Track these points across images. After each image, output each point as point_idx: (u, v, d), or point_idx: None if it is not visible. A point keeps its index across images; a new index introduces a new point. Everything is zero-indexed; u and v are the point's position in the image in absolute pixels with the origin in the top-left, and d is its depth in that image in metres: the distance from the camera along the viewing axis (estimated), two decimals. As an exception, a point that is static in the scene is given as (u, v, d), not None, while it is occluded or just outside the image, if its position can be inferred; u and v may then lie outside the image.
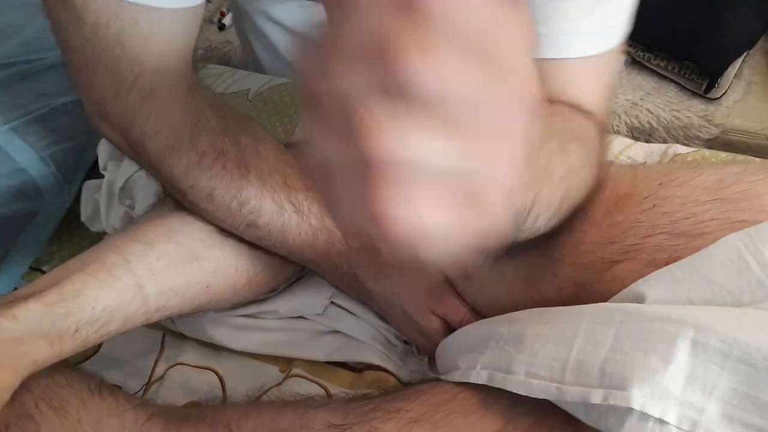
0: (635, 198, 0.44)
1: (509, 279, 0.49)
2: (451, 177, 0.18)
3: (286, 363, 0.57)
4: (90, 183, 0.67)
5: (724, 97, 0.94)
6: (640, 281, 0.38)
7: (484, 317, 0.52)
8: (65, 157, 0.70)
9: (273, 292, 0.58)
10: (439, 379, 0.44)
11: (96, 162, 0.67)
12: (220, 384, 0.56)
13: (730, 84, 0.94)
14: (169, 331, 0.60)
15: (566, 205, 0.37)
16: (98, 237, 0.66)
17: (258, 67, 0.92)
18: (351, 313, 0.58)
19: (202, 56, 1.26)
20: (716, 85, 0.93)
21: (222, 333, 0.57)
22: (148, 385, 0.57)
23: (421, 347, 0.55)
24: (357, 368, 0.56)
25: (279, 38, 0.86)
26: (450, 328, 0.53)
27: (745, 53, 0.96)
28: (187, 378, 0.57)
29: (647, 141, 0.88)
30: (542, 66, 0.40)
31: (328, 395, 0.53)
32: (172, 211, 0.51)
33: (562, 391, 0.35)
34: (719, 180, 0.42)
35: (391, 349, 0.56)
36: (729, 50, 0.94)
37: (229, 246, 0.51)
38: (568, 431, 0.37)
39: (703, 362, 0.31)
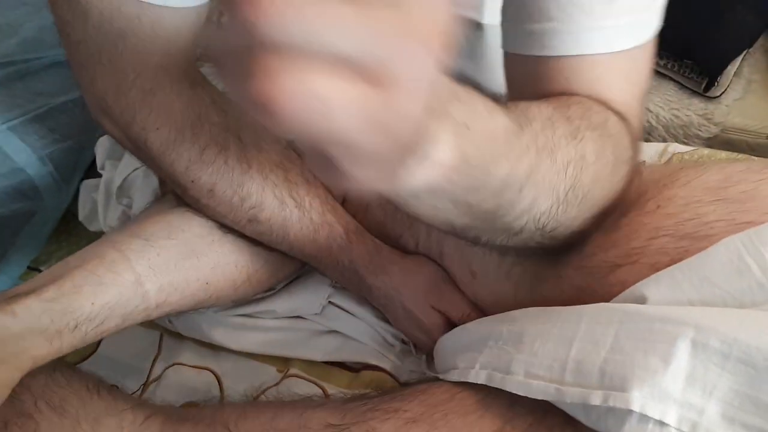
0: (639, 200, 0.43)
1: (516, 278, 0.49)
2: (352, 48, 0.17)
3: (283, 363, 0.57)
4: (88, 182, 0.67)
5: (723, 95, 0.93)
6: (640, 283, 0.38)
7: (485, 313, 0.53)
8: (63, 157, 0.70)
9: (271, 290, 0.58)
10: (437, 379, 0.44)
11: (94, 161, 0.67)
12: (217, 384, 0.56)
13: (730, 82, 0.94)
14: (166, 331, 0.60)
15: (581, 198, 0.36)
16: (96, 236, 0.66)
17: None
18: (349, 312, 0.58)
19: (201, 55, 1.26)
20: (716, 84, 0.93)
21: (219, 333, 0.57)
22: (145, 385, 0.57)
23: (420, 344, 0.55)
24: (354, 368, 0.56)
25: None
26: (450, 324, 0.53)
27: (745, 51, 0.96)
28: (184, 378, 0.57)
29: (646, 140, 0.88)
30: (566, 64, 0.39)
31: (326, 395, 0.54)
32: (171, 208, 0.51)
33: (561, 392, 0.35)
34: (724, 179, 0.42)
35: (388, 349, 0.56)
36: (729, 49, 0.93)
37: (228, 242, 0.51)
38: (567, 432, 0.37)
39: (703, 363, 0.31)
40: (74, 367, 0.50)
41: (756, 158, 0.58)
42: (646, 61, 0.42)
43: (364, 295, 0.56)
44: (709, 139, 0.93)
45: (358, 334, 0.57)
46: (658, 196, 0.42)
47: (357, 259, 0.53)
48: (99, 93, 0.44)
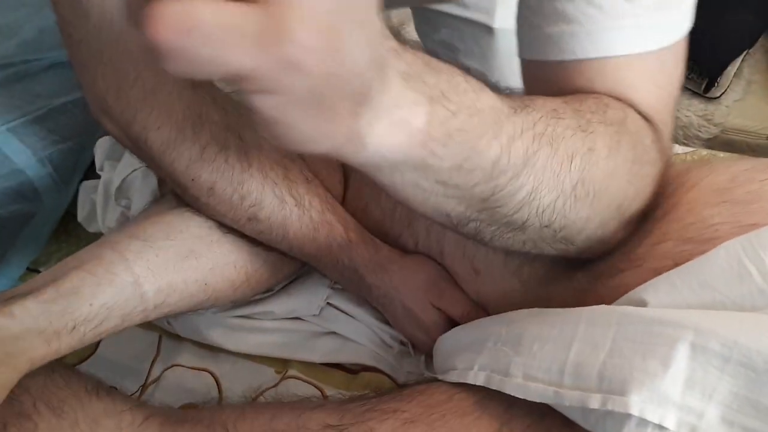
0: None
1: (525, 277, 0.49)
2: None
3: (281, 364, 0.57)
4: (87, 183, 0.67)
5: (723, 96, 0.94)
6: (639, 288, 0.38)
7: (487, 311, 0.53)
8: (63, 158, 0.70)
9: (270, 291, 0.58)
10: (435, 379, 0.44)
11: (93, 162, 0.67)
12: (216, 385, 0.56)
13: (730, 83, 0.94)
14: (165, 332, 0.60)
15: (593, 195, 0.35)
16: (95, 237, 0.66)
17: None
18: (347, 314, 0.58)
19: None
20: (716, 85, 0.93)
21: (218, 334, 0.57)
22: (144, 386, 0.57)
23: (419, 344, 0.55)
24: (353, 370, 0.56)
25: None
26: (450, 323, 0.53)
27: (745, 52, 0.96)
28: (183, 379, 0.57)
29: (646, 141, 0.88)
30: (586, 67, 0.38)
31: (324, 397, 0.54)
32: (170, 209, 0.51)
33: (560, 395, 0.34)
34: (730, 179, 0.41)
35: (386, 350, 0.56)
36: (729, 49, 0.93)
37: (227, 243, 0.51)
38: (564, 434, 0.37)
39: (702, 366, 0.31)
40: (73, 369, 0.50)
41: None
42: (675, 63, 0.40)
43: (364, 295, 0.56)
44: (709, 139, 0.93)
45: (356, 335, 0.57)
46: (665, 204, 0.42)
47: (356, 258, 0.53)
48: (100, 92, 0.44)
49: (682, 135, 0.94)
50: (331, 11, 0.20)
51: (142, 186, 0.57)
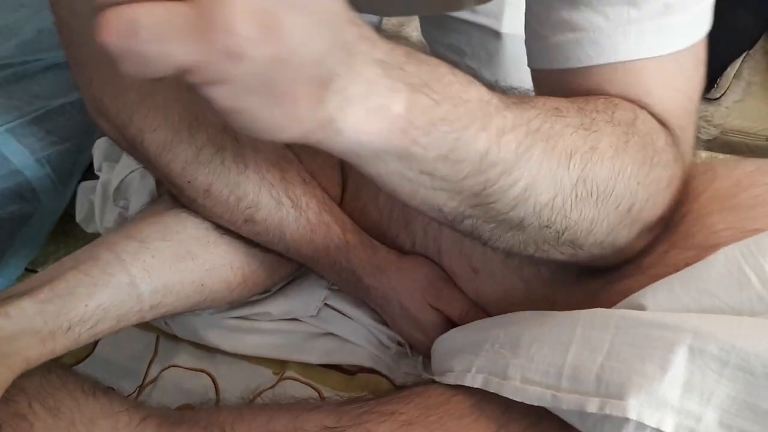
0: None
1: (527, 276, 0.49)
2: None
3: (279, 365, 0.57)
4: (85, 184, 0.67)
5: (723, 97, 0.93)
6: (638, 293, 0.37)
7: (487, 310, 0.53)
8: (61, 159, 0.70)
9: (267, 292, 0.58)
10: (433, 381, 0.44)
11: (92, 163, 0.67)
12: (213, 386, 0.56)
13: (730, 84, 0.94)
14: (163, 333, 0.60)
15: (597, 195, 0.34)
16: (93, 238, 0.65)
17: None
18: (344, 315, 0.58)
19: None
20: (715, 86, 0.93)
21: (215, 335, 0.57)
22: (141, 387, 0.57)
23: (417, 344, 0.55)
24: (350, 371, 0.56)
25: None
26: (449, 323, 0.53)
27: (745, 53, 0.96)
28: (180, 380, 0.57)
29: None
30: (594, 74, 0.38)
31: (321, 398, 0.54)
32: (167, 209, 0.51)
33: (557, 398, 0.34)
34: (734, 184, 0.41)
35: (384, 351, 0.56)
36: (728, 50, 0.93)
37: (224, 244, 0.51)
38: (561, 437, 0.36)
39: (701, 369, 0.31)
40: (70, 369, 0.50)
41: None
42: (695, 66, 0.39)
43: (362, 296, 0.56)
44: (708, 141, 0.93)
45: (353, 336, 0.57)
46: (675, 214, 0.41)
47: (354, 259, 0.53)
48: (96, 94, 0.44)
49: (682, 136, 0.93)
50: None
51: (140, 187, 0.57)
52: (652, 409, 0.31)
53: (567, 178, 0.33)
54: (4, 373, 0.39)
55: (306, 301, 0.58)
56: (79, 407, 0.43)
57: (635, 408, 0.31)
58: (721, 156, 0.63)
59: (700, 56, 0.39)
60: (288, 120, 0.25)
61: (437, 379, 0.44)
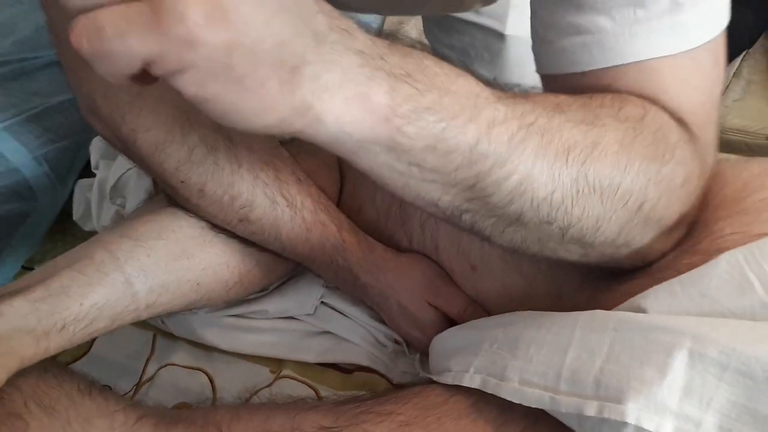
0: None
1: (526, 271, 0.48)
2: None
3: (276, 364, 0.57)
4: (83, 182, 0.67)
5: (723, 96, 0.93)
6: (639, 296, 0.37)
7: (486, 307, 0.52)
8: (59, 157, 0.70)
9: (264, 290, 0.58)
10: (430, 380, 0.44)
11: (89, 161, 0.66)
12: (210, 385, 0.56)
13: (729, 83, 0.93)
14: (160, 331, 0.60)
15: (600, 191, 0.33)
16: (91, 236, 0.65)
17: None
18: (341, 313, 0.57)
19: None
20: (715, 84, 0.93)
21: (212, 333, 0.57)
22: (138, 385, 0.57)
23: (415, 342, 0.55)
24: (347, 369, 0.56)
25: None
26: (447, 321, 0.53)
27: (745, 52, 0.96)
28: (177, 378, 0.56)
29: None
30: (603, 76, 0.37)
31: (318, 397, 0.53)
32: (162, 208, 0.51)
33: (556, 401, 0.34)
34: (741, 188, 0.40)
35: (380, 350, 0.56)
36: (728, 49, 0.93)
37: (220, 243, 0.51)
38: (559, 438, 0.36)
39: (700, 373, 0.31)
40: (66, 368, 0.50)
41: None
42: (713, 62, 0.38)
43: (359, 295, 0.56)
44: (708, 140, 0.92)
45: (350, 334, 0.57)
46: (695, 219, 0.40)
47: (350, 257, 0.53)
48: (88, 94, 0.44)
49: (682, 135, 0.93)
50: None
51: (137, 185, 0.57)
52: (651, 413, 0.30)
53: (566, 172, 0.33)
54: (-2, 373, 0.39)
55: (303, 299, 0.58)
56: (74, 406, 0.42)
57: (634, 412, 0.31)
58: (721, 155, 0.62)
59: (718, 52, 0.38)
60: (259, 106, 0.25)
61: (435, 378, 0.44)
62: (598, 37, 0.36)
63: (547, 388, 0.35)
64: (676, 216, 0.38)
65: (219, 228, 0.50)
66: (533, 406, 0.35)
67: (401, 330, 0.55)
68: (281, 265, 0.55)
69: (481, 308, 0.53)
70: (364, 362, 0.55)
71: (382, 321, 0.57)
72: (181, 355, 0.58)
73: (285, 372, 0.56)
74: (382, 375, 0.55)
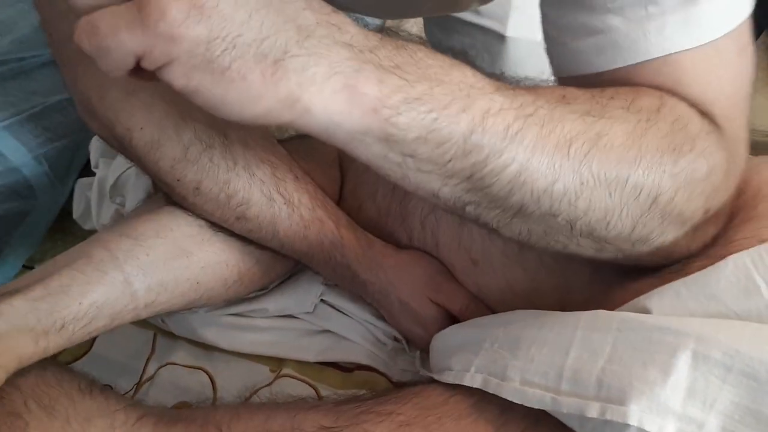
0: None
1: (529, 265, 0.48)
2: None
3: (276, 363, 0.57)
4: (83, 181, 0.67)
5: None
6: (643, 296, 0.37)
7: (488, 303, 0.52)
8: (58, 156, 0.69)
9: (263, 289, 0.58)
10: (431, 379, 0.44)
11: (89, 160, 0.66)
12: (210, 384, 0.56)
13: (731, 80, 0.93)
14: (160, 330, 0.60)
15: (608, 183, 0.33)
16: (91, 235, 0.65)
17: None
18: (341, 311, 0.57)
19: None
20: (717, 82, 0.92)
21: (212, 332, 0.57)
22: (138, 384, 0.56)
23: (416, 339, 0.55)
24: (347, 368, 0.56)
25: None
26: (448, 317, 0.53)
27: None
28: (177, 378, 0.56)
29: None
30: (619, 76, 0.36)
31: (318, 396, 0.53)
32: (161, 207, 0.50)
33: (557, 402, 0.34)
34: (755, 194, 0.40)
35: (380, 348, 0.56)
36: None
37: (219, 241, 0.51)
38: (560, 439, 0.36)
39: (704, 375, 0.30)
40: (66, 367, 0.50)
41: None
42: (739, 50, 0.36)
43: (358, 292, 0.56)
44: (710, 137, 0.92)
45: (350, 333, 0.56)
46: (731, 215, 0.40)
47: (349, 254, 0.52)
48: (83, 93, 0.44)
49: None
50: None
51: (136, 183, 0.57)
52: (654, 415, 0.30)
53: (567, 164, 0.32)
54: (-3, 372, 0.39)
55: (302, 297, 0.57)
56: (74, 405, 0.42)
57: (636, 414, 0.30)
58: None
59: (744, 40, 0.37)
60: (244, 97, 0.27)
61: (435, 376, 0.43)
62: (611, 36, 0.36)
63: (549, 389, 0.35)
64: (701, 211, 0.37)
65: (218, 226, 0.50)
66: (535, 407, 0.35)
67: (402, 327, 0.55)
68: (281, 264, 0.55)
69: (483, 305, 0.53)
70: (364, 361, 0.55)
71: (382, 318, 0.56)
72: (182, 354, 0.58)
73: (285, 371, 0.55)
74: (381, 373, 0.55)
